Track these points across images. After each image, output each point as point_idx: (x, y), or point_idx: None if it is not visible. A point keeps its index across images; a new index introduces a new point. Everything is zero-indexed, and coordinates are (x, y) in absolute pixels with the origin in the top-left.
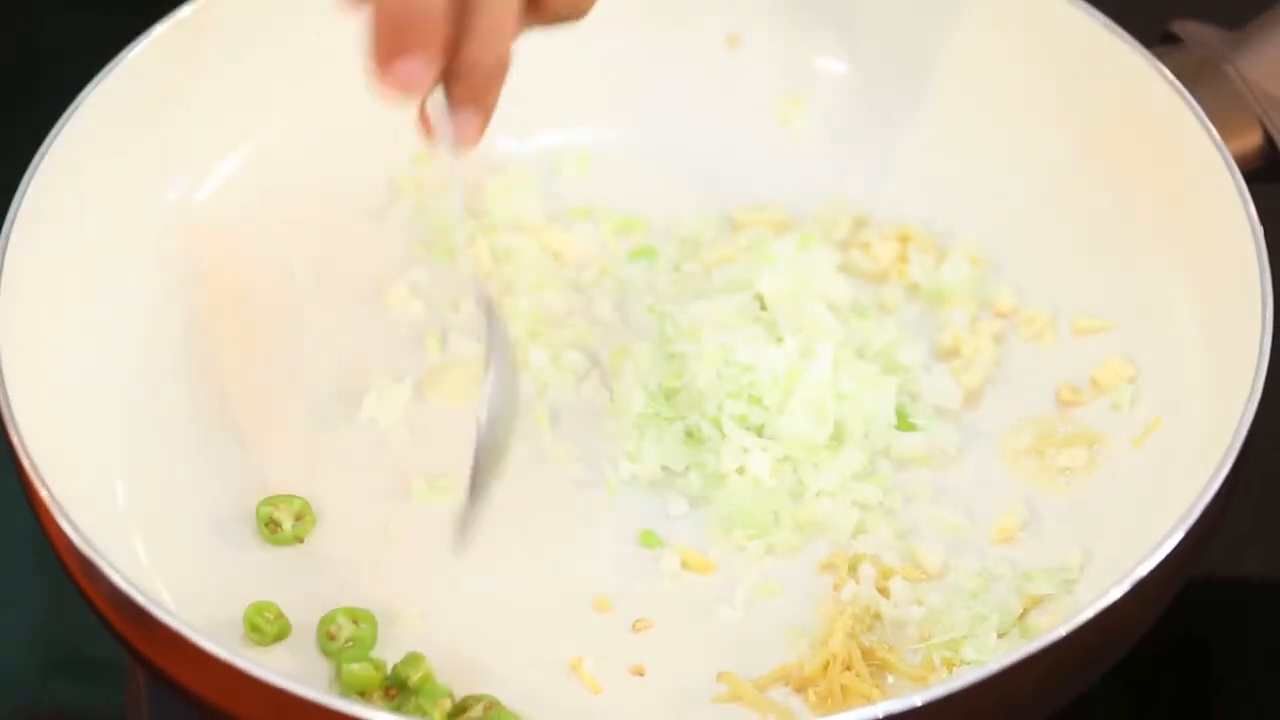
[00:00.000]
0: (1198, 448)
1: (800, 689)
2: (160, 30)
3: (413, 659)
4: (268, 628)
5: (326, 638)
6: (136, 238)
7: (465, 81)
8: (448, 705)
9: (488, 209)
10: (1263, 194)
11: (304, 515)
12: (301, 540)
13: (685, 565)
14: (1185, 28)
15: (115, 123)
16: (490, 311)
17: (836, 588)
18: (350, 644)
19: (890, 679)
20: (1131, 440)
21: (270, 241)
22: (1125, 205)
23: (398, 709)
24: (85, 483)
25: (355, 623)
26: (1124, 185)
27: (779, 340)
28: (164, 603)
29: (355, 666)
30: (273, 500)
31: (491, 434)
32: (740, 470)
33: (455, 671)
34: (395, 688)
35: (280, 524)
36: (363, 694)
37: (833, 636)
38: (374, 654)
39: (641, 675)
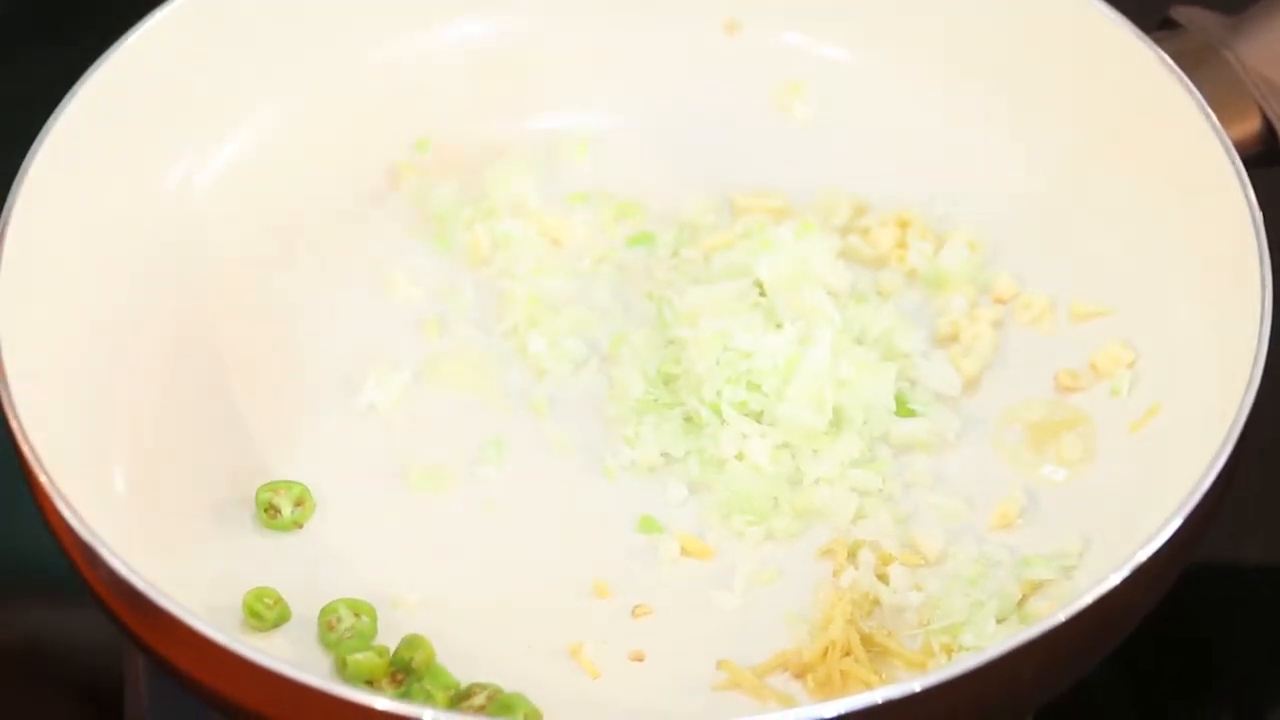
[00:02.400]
0: (1197, 433)
1: (799, 675)
2: (159, 15)
3: (413, 641)
4: (267, 613)
5: (326, 628)
6: (135, 223)
7: None
8: (451, 691)
9: (486, 194)
10: (1262, 179)
11: (303, 501)
12: (300, 526)
13: (684, 551)
14: (1184, 13)
15: (113, 109)
16: None
17: (836, 574)
18: (350, 634)
19: (890, 665)
20: (1130, 425)
21: (269, 227)
22: (1124, 190)
23: (405, 695)
24: (84, 468)
25: (356, 614)
26: (1123, 170)
27: (778, 326)
28: (163, 588)
29: (360, 656)
30: (272, 485)
31: None
32: (739, 456)
33: (454, 657)
34: (401, 673)
35: (279, 509)
36: (370, 683)
37: (832, 623)
38: (375, 642)
39: (641, 661)
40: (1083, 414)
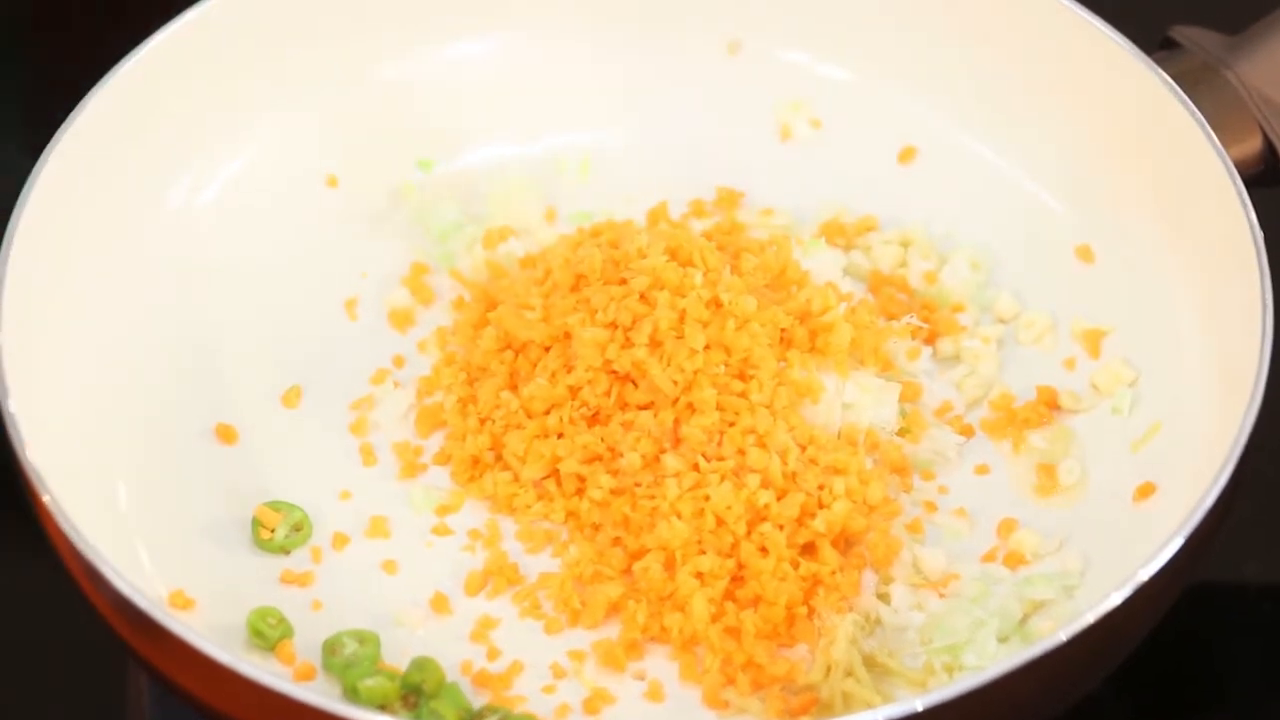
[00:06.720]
0: (1198, 452)
1: (801, 695)
2: (162, 36)
3: (422, 663)
4: (270, 632)
5: (329, 653)
6: (139, 242)
7: None
8: (463, 712)
9: (488, 213)
10: (1263, 198)
11: (301, 527)
12: (288, 552)
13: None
14: (1185, 33)
15: (117, 127)
16: None
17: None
18: (354, 659)
19: (891, 684)
20: (1131, 444)
21: (271, 245)
22: (1125, 210)
23: (417, 718)
24: (87, 486)
25: (360, 643)
26: (1124, 190)
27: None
28: (166, 607)
29: (370, 682)
30: (274, 505)
31: None
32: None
33: (458, 680)
34: (412, 694)
35: (273, 530)
36: (383, 707)
37: (834, 643)
38: (382, 665)
39: (644, 680)
40: (1084, 433)
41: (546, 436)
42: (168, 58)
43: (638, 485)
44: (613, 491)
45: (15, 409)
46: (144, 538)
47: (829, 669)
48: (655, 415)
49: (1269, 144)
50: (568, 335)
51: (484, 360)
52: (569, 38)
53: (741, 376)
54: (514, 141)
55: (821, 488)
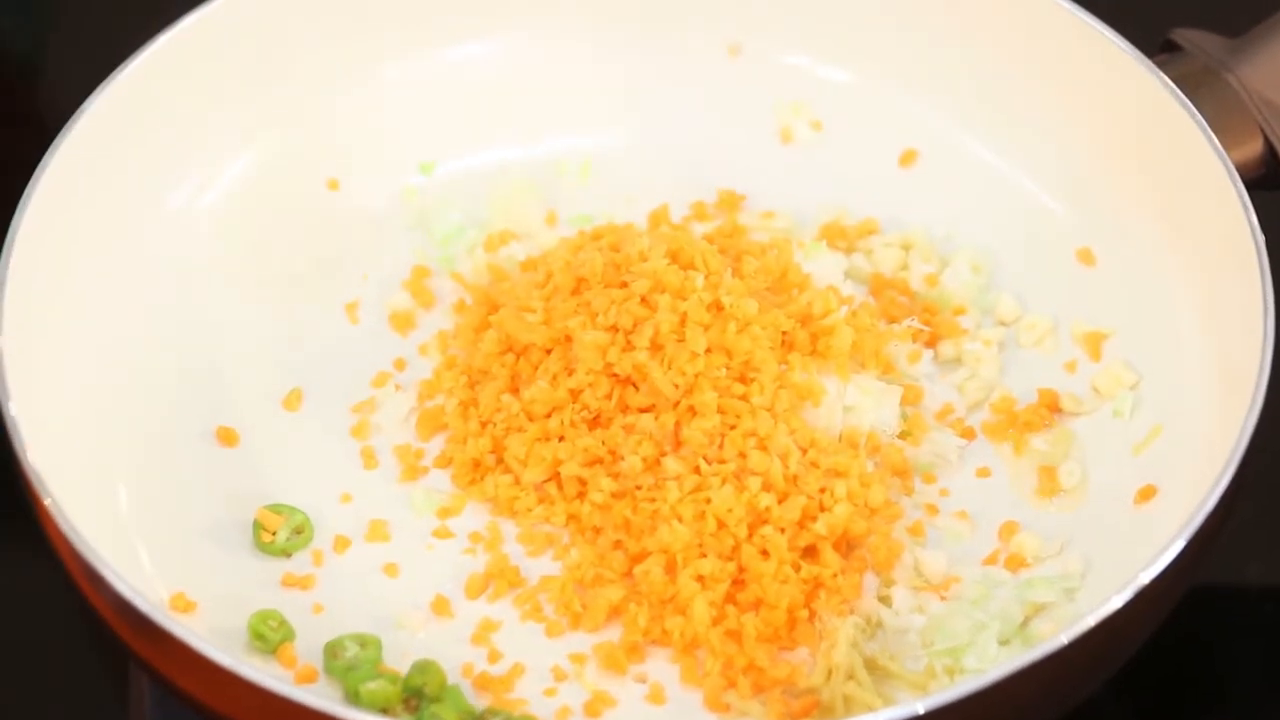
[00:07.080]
0: (1199, 455)
1: (802, 698)
2: (165, 38)
3: (424, 666)
4: (272, 635)
5: (331, 657)
6: (140, 245)
7: None
8: (465, 714)
9: (488, 216)
10: (1264, 201)
11: (302, 530)
12: (289, 555)
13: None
14: (1186, 36)
15: (119, 130)
16: None
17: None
18: (356, 663)
19: (892, 687)
20: (1133, 447)
21: (273, 248)
22: (1127, 213)
23: None
24: (88, 489)
25: (361, 646)
26: (1125, 193)
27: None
28: (167, 610)
29: (372, 686)
30: (275, 508)
31: None
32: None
33: (459, 683)
34: (413, 697)
35: (274, 533)
36: (385, 710)
37: (835, 646)
38: (384, 668)
39: (645, 683)
40: (1085, 436)
41: (547, 439)
42: (170, 60)
43: (639, 488)
44: (614, 494)
45: (16, 412)
46: (145, 540)
47: (830, 672)
48: (656, 418)
49: (1270, 147)
50: (569, 338)
51: (485, 363)
52: (570, 40)
53: (743, 379)
54: (515, 144)
55: (823, 490)
